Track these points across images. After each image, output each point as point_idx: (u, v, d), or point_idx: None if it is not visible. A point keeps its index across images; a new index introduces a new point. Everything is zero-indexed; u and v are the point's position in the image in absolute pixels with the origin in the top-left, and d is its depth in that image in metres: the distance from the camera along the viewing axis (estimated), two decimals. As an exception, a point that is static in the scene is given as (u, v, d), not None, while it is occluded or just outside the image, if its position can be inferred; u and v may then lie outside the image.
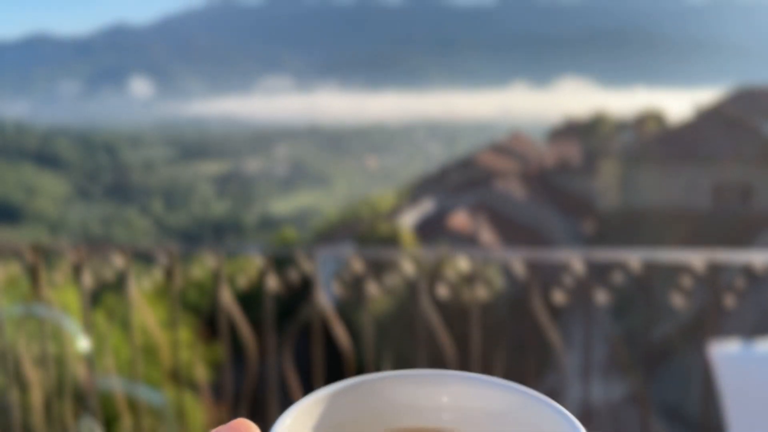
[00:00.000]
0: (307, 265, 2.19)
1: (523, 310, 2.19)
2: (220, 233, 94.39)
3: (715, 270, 2.04)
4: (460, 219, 22.84)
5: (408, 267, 2.19)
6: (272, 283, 2.23)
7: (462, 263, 2.10)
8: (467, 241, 21.68)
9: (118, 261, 2.30)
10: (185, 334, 10.99)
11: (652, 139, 19.99)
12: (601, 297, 2.12)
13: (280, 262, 2.42)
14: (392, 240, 18.06)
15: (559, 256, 2.10)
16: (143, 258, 2.89)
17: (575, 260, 2.07)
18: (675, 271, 2.19)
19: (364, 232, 18.65)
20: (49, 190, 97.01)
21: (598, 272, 2.16)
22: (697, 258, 2.04)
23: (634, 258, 2.07)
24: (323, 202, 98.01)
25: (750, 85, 26.85)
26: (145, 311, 2.53)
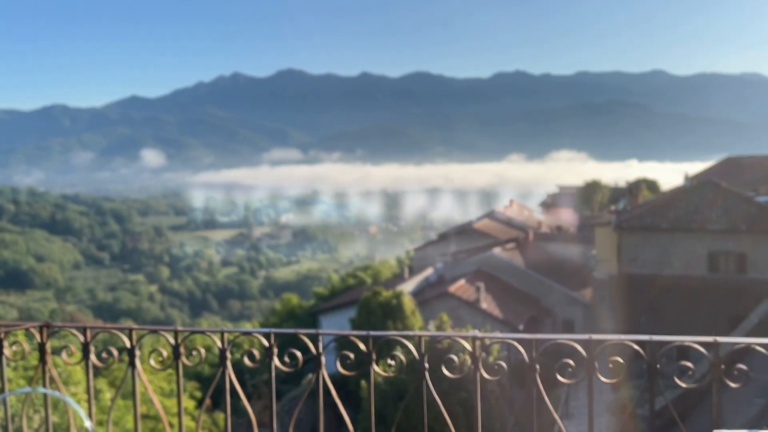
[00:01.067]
0: (311, 346, 2.23)
1: (526, 378, 2.20)
2: (226, 299, 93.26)
3: (717, 351, 2.05)
4: (460, 285, 22.64)
5: (411, 347, 2.22)
6: (277, 362, 2.26)
7: (465, 344, 2.14)
8: (468, 307, 21.37)
9: (126, 341, 2.34)
10: (190, 404, 10.61)
11: (646, 207, 20.18)
12: (603, 375, 2.14)
13: (286, 340, 2.45)
14: (394, 306, 17.80)
15: (561, 339, 2.14)
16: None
17: (577, 344, 2.11)
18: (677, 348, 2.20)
19: (367, 298, 18.45)
20: (58, 256, 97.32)
21: (600, 351, 2.18)
22: (699, 341, 2.06)
23: (635, 343, 2.10)
24: (327, 267, 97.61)
25: (738, 156, 27.47)
26: (149, 387, 2.53)
